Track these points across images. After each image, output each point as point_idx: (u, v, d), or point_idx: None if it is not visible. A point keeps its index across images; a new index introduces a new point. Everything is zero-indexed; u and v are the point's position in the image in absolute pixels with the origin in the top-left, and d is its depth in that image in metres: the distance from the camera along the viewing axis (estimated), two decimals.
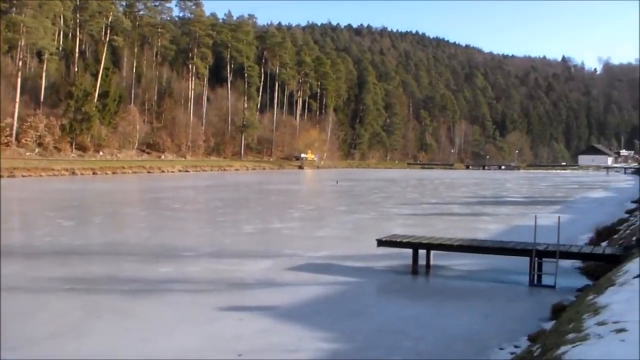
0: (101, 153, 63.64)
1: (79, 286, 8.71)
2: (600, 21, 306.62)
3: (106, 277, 9.43)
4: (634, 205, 22.90)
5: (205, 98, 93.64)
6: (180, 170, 63.42)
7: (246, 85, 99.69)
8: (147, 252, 11.84)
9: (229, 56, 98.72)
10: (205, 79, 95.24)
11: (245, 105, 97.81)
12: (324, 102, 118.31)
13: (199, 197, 28.99)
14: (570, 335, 4.63)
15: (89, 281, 9.07)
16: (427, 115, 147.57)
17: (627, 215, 18.80)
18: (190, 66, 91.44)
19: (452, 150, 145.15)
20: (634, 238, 10.07)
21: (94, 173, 49.87)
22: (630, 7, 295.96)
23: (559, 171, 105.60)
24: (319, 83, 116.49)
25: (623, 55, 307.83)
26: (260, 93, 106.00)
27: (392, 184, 46.92)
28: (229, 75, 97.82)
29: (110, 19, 75.08)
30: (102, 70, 68.04)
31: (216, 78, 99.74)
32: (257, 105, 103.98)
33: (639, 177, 61.57)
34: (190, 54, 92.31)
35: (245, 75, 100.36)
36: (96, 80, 66.65)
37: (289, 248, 12.73)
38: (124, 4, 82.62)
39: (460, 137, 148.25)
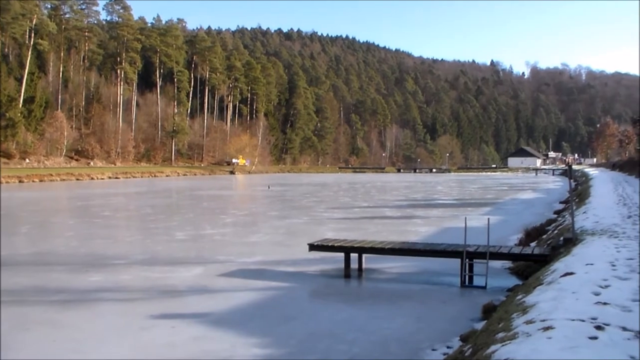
0: (27, 160, 61.77)
1: (6, 298, 8.40)
2: (528, 23, 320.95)
3: (34, 288, 9.15)
4: (561, 206, 23.73)
5: (134, 103, 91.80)
6: (110, 177, 62.13)
7: (176, 90, 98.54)
8: (76, 261, 11.54)
9: (158, 61, 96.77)
10: (135, 84, 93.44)
11: (175, 111, 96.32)
12: (254, 107, 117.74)
13: (130, 204, 28.08)
14: (500, 334, 4.73)
15: (16, 293, 8.78)
16: (358, 120, 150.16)
17: (555, 216, 19.41)
18: (118, 71, 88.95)
19: (384, 154, 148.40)
20: (562, 238, 10.47)
21: (20, 181, 48.36)
22: (556, 7, 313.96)
23: (489, 173, 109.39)
24: (250, 88, 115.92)
25: (550, 59, 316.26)
26: (191, 98, 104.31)
27: (323, 188, 47.33)
28: (158, 80, 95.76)
29: (34, 22, 72.28)
30: (27, 75, 65.90)
31: (145, 83, 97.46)
32: (187, 111, 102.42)
33: (567, 178, 64.60)
34: (118, 59, 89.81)
35: (175, 80, 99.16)
36: (21, 85, 64.58)
37: (221, 254, 12.56)
38: (49, 6, 79.35)
39: (391, 141, 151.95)
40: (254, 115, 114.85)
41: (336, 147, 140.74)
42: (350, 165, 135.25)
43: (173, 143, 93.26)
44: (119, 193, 36.87)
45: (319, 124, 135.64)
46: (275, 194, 37.68)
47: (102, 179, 60.22)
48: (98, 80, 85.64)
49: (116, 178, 62.69)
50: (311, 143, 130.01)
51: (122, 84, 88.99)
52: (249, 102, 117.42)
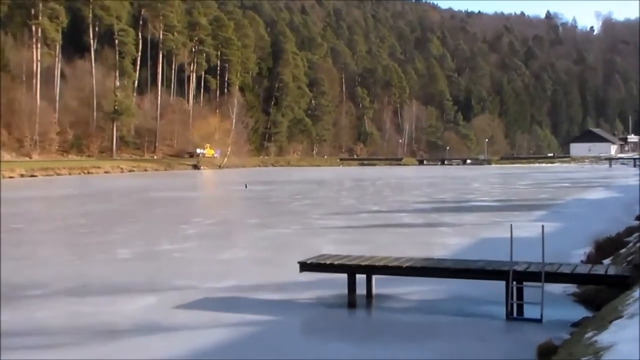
0: None
1: None
2: None
3: None
4: None
5: (58, 74, 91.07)
6: (23, 175, 61.97)
7: (117, 56, 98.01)
8: None
9: (91, 15, 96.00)
10: (58, 47, 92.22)
11: (117, 84, 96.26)
12: (226, 79, 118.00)
13: (54, 212, 28.08)
14: None
15: None
16: (366, 95, 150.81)
17: (637, 223, 18.24)
18: (33, 28, 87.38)
19: (400, 140, 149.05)
20: None
21: None
22: None
23: (544, 165, 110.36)
24: (219, 53, 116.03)
25: (629, 9, 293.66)
26: (139, 67, 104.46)
27: (320, 186, 47.70)
28: (92, 42, 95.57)
29: None
30: None
31: (74, 46, 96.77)
32: (134, 84, 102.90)
33: None
34: (32, 11, 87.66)
35: (116, 42, 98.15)
36: None
37: (181, 277, 12.55)
38: None
39: (410, 123, 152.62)
40: (226, 90, 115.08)
41: (337, 132, 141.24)
42: (355, 156, 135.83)
43: (114, 128, 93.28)
44: (38, 197, 36.83)
45: (313, 102, 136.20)
46: (256, 195, 37.94)
47: (12, 177, 59.85)
48: (4, 41, 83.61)
49: (32, 176, 62.49)
50: (303, 127, 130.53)
51: (39, 46, 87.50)
52: (218, 72, 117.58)
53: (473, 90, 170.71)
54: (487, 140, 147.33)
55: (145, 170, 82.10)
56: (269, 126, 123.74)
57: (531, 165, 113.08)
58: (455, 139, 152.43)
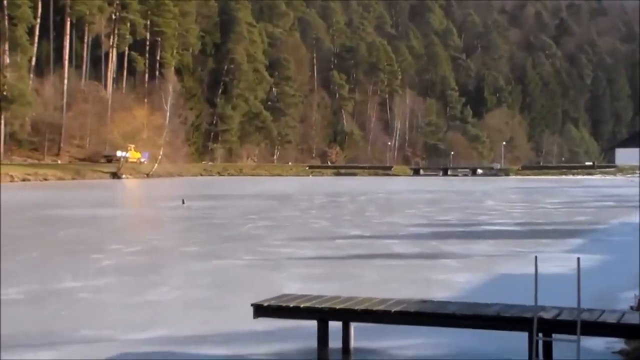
0: None
1: None
2: None
3: None
4: None
5: None
6: None
7: (7, 24, 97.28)
8: None
9: None
10: None
11: (7, 62, 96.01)
12: (158, 58, 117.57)
13: None
14: None
15: None
16: (345, 82, 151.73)
17: None
18: None
19: (390, 143, 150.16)
20: None
21: None
22: None
23: (580, 177, 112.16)
24: (149, 23, 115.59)
25: None
26: (37, 39, 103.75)
27: (282, 203, 48.17)
28: None
29: None
30: None
31: None
32: (30, 62, 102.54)
33: None
34: None
35: (5, 3, 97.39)
36: None
37: (91, 326, 12.40)
38: None
39: (403, 120, 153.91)
40: (158, 73, 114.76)
41: (305, 131, 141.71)
42: (330, 163, 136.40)
43: (2, 121, 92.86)
44: None
45: (274, 90, 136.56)
46: (196, 213, 38.12)
47: None
48: None
49: None
50: (261, 123, 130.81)
51: None
52: (147, 48, 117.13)
53: (486, 77, 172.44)
54: (504, 143, 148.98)
55: (45, 180, 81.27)
56: (215, 122, 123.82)
57: (563, 177, 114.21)
58: (462, 142, 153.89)
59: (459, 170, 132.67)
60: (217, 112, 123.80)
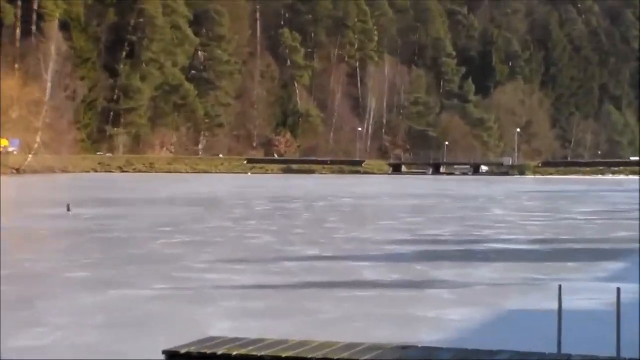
0: None
1: None
2: None
3: None
4: None
5: None
6: None
7: None
8: None
9: None
10: None
11: None
12: (35, 8, 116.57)
13: None
14: None
15: None
16: (300, 44, 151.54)
17: None
18: None
19: (360, 129, 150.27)
20: None
21: None
22: None
23: (622, 177, 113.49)
24: None
25: None
26: None
27: (210, 211, 48.45)
28: None
29: None
30: None
31: None
32: None
33: None
34: None
35: None
36: None
37: None
38: None
39: (380, 97, 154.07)
40: (35, 28, 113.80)
41: (244, 111, 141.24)
42: (277, 156, 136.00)
43: None
44: None
45: (201, 54, 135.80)
46: (87, 225, 37.89)
47: None
48: None
49: None
50: (182, 99, 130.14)
51: None
52: None
53: (496, 40, 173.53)
54: (518, 130, 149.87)
55: None
56: (116, 98, 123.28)
57: (599, 177, 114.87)
58: (460, 128, 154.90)
59: (456, 166, 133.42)
60: (119, 83, 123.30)
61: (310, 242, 31.55)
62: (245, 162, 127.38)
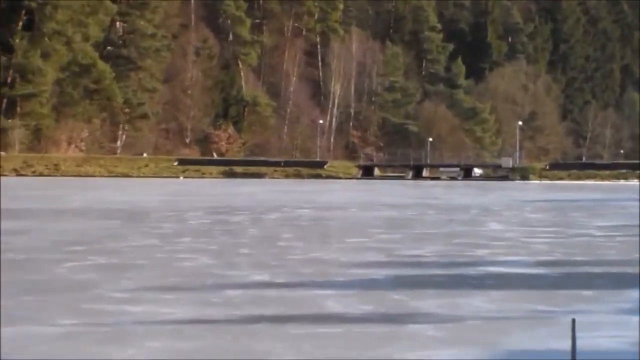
0: None
1: None
2: None
3: None
4: None
5: None
6: None
7: None
8: None
9: None
10: None
11: None
12: None
13: None
14: None
15: None
16: (246, 14, 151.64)
17: None
18: None
19: (322, 121, 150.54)
20: None
21: None
22: None
23: None
24: None
25: None
26: None
27: (132, 225, 48.50)
28: None
29: None
30: None
31: None
32: None
33: None
34: None
35: None
36: None
37: None
38: None
39: (347, 81, 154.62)
40: None
41: (174, 99, 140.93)
42: (217, 156, 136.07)
43: None
44: None
45: (120, 25, 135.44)
46: None
47: None
48: None
49: None
50: (94, 83, 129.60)
51: None
52: None
53: (491, 10, 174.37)
54: (520, 123, 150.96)
55: None
56: (10, 81, 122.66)
57: (621, 182, 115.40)
58: (447, 120, 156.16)
59: (443, 169, 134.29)
60: (14, 62, 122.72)
61: (258, 265, 31.50)
62: (176, 164, 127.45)
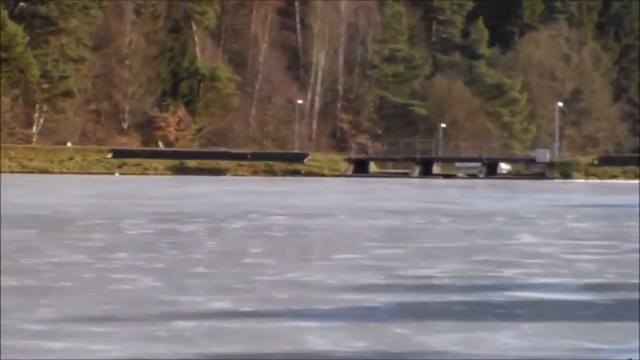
0: None
1: None
2: None
3: None
4: None
5: None
6: None
7: None
8: None
9: None
10: None
11: None
12: None
13: None
14: None
15: None
16: None
17: None
18: None
19: (301, 101, 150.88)
20: None
21: None
22: None
23: None
24: None
25: None
26: None
27: (50, 235, 48.44)
28: None
29: None
30: None
31: None
32: None
33: None
34: None
35: None
36: None
37: None
38: None
39: (333, 49, 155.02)
40: None
41: (108, 72, 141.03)
42: (164, 146, 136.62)
43: None
44: None
45: None
46: None
47: None
48: None
49: None
50: (4, 51, 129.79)
51: None
52: None
53: None
54: (559, 104, 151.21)
55: None
56: None
57: None
58: (465, 100, 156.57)
59: (459, 164, 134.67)
60: None
61: (218, 289, 31.35)
62: (109, 156, 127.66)
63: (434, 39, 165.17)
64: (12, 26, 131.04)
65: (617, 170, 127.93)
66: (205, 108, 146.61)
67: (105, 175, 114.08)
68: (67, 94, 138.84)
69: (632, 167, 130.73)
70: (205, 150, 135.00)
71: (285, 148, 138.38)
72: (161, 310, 27.06)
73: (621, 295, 31.30)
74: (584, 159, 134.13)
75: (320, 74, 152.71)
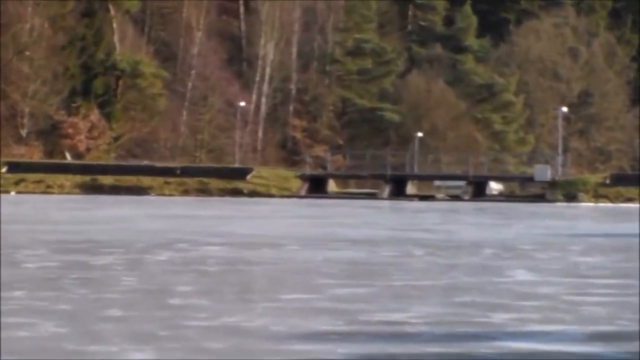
0: None
1: None
2: None
3: None
4: None
5: None
6: None
7: None
8: None
9: None
10: None
11: None
12: None
13: None
14: None
15: None
16: None
17: None
18: None
19: (244, 103, 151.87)
20: None
21: None
22: None
23: None
24: None
25: None
26: None
27: None
28: None
29: None
30: None
31: None
32: None
33: None
34: None
35: None
36: None
37: None
38: None
39: (286, 40, 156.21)
40: None
41: (4, 64, 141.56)
42: (71, 158, 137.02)
43: None
44: None
45: None
46: None
47: None
48: None
49: None
50: None
51: None
52: None
53: None
54: (564, 109, 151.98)
55: None
56: None
57: None
58: (448, 103, 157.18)
59: (440, 183, 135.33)
60: None
61: (137, 336, 31.20)
62: (4, 170, 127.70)
63: (409, 27, 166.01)
64: None
65: (633, 191, 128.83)
66: (125, 111, 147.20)
67: None
68: None
69: None
70: (123, 163, 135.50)
71: (223, 162, 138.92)
72: None
73: (636, 346, 31.34)
74: (593, 178, 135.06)
75: (268, 70, 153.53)
